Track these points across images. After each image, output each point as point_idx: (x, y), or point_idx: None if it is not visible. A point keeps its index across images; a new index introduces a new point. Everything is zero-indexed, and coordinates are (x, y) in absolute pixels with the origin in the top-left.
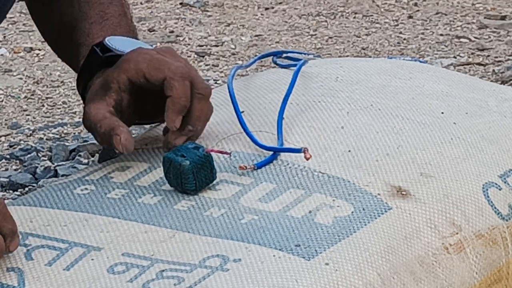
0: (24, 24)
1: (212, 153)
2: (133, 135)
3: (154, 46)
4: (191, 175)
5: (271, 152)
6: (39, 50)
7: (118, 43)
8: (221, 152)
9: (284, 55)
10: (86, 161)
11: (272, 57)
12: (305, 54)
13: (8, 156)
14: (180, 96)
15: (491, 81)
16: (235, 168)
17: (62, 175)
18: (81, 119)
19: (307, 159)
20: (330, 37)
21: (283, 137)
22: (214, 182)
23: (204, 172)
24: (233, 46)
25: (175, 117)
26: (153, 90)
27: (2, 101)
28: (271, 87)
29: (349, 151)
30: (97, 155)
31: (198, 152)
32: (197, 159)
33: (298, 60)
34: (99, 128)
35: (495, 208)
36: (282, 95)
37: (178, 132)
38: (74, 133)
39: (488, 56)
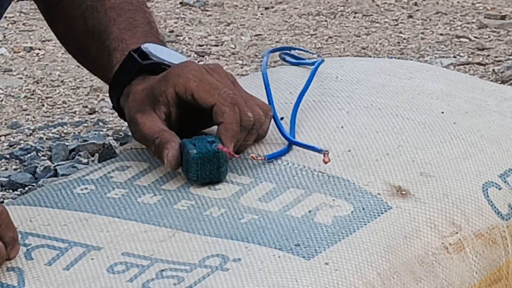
0: (24, 24)
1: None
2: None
3: None
4: (195, 165)
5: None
6: (39, 49)
7: (156, 50)
8: (230, 154)
9: (292, 51)
10: (86, 160)
11: (278, 54)
12: (312, 53)
13: (8, 156)
14: (232, 122)
15: (491, 80)
16: (235, 167)
17: (62, 175)
18: (81, 119)
19: (326, 162)
20: (330, 37)
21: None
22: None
23: (210, 167)
24: (233, 46)
25: (229, 144)
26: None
27: (2, 100)
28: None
29: (349, 150)
30: (97, 154)
31: (209, 146)
32: (205, 151)
33: (302, 58)
34: (156, 139)
35: (495, 207)
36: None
37: None
38: (74, 133)
39: (488, 55)
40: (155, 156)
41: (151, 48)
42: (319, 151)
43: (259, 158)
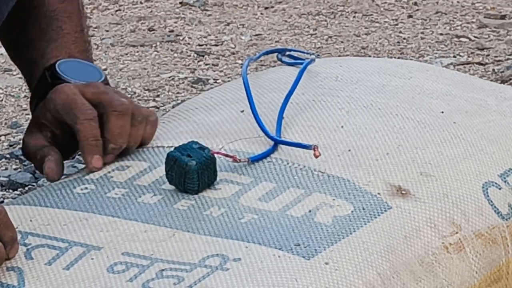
0: None
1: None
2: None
3: (153, 45)
4: (196, 175)
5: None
6: None
7: (68, 67)
8: (226, 155)
9: (287, 53)
10: None
11: (276, 54)
12: (308, 53)
13: (8, 156)
14: (87, 137)
15: (491, 80)
16: (235, 167)
17: None
18: None
19: (316, 157)
20: (330, 37)
21: (282, 137)
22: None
23: (208, 174)
24: (232, 46)
25: (89, 158)
26: None
27: (2, 100)
28: (271, 87)
29: (349, 150)
30: None
31: (204, 153)
32: (203, 160)
33: (301, 58)
34: (37, 155)
35: (495, 207)
36: (282, 95)
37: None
38: None
39: (488, 55)
40: (40, 172)
41: (65, 65)
42: (307, 147)
43: (242, 160)
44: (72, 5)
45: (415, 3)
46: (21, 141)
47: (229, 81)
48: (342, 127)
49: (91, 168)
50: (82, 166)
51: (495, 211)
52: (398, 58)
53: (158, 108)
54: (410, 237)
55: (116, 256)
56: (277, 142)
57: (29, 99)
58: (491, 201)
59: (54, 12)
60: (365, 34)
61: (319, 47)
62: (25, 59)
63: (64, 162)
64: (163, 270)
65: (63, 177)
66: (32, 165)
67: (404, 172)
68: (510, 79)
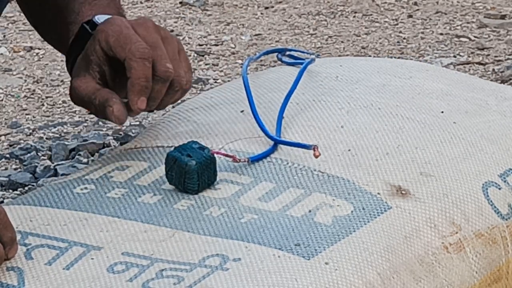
0: (24, 23)
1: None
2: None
3: None
4: (196, 175)
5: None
6: (39, 49)
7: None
8: (226, 155)
9: (287, 53)
10: (85, 160)
11: (276, 54)
12: (308, 53)
13: (7, 156)
14: (139, 77)
15: (491, 80)
16: (235, 167)
17: (62, 174)
18: (81, 119)
19: (316, 157)
20: (330, 36)
21: (282, 137)
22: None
23: (208, 174)
24: (232, 45)
25: (136, 98)
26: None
27: (2, 100)
28: (271, 87)
29: (349, 150)
30: (97, 154)
31: (204, 153)
32: (203, 160)
33: (301, 58)
34: (94, 100)
35: (495, 207)
36: (282, 94)
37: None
38: (74, 132)
39: (488, 55)
40: (99, 116)
41: (102, 18)
42: (307, 147)
43: (242, 160)
44: None
45: (415, 3)
46: (20, 142)
47: (229, 81)
48: (342, 127)
49: (135, 109)
50: (82, 166)
51: (495, 211)
52: (398, 58)
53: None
54: (410, 237)
55: (116, 256)
56: (277, 142)
57: (28, 98)
58: (491, 201)
59: None
60: (365, 34)
61: (319, 47)
62: (60, 26)
63: (64, 162)
64: (163, 270)
65: (63, 177)
66: (32, 164)
67: (404, 172)
68: (510, 79)
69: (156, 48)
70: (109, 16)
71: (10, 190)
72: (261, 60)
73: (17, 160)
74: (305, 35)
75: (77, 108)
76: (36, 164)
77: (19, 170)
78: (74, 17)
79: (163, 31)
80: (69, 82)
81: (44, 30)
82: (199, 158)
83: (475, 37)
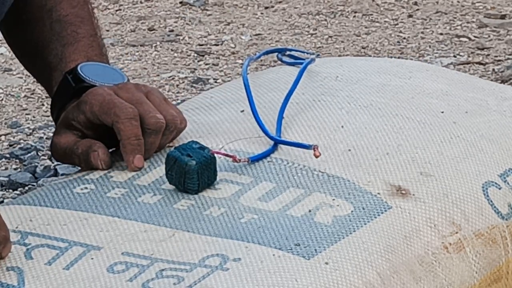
0: None
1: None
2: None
3: (153, 45)
4: (196, 175)
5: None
6: None
7: (90, 71)
8: (226, 155)
9: (287, 52)
10: None
11: (276, 54)
12: (308, 53)
13: (8, 155)
14: (129, 137)
15: (491, 80)
16: (235, 167)
17: (62, 174)
18: None
19: (317, 157)
20: (330, 36)
21: (282, 136)
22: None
23: (208, 173)
24: (233, 45)
25: (131, 158)
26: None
27: (2, 100)
28: (271, 87)
29: (349, 150)
30: None
31: (204, 153)
32: (203, 160)
33: (301, 58)
34: (76, 149)
35: (495, 207)
36: (282, 94)
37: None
38: None
39: (488, 55)
40: (82, 165)
41: (87, 68)
42: (307, 147)
43: (242, 160)
44: (83, 10)
45: (415, 3)
46: (20, 142)
47: (229, 80)
48: (342, 127)
49: (133, 168)
50: None
51: (495, 211)
52: (398, 58)
53: None
54: (410, 237)
55: (116, 256)
56: (277, 142)
57: (28, 98)
58: (491, 201)
59: (67, 17)
60: (365, 34)
61: (319, 47)
62: (40, 64)
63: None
64: (163, 270)
65: (63, 177)
66: (32, 164)
67: (404, 172)
68: (510, 79)
69: (141, 104)
70: (116, 77)
71: (10, 190)
72: (261, 60)
73: (17, 160)
74: (305, 35)
75: None
76: (36, 164)
77: (19, 170)
78: (57, 62)
79: (144, 87)
80: None
81: (25, 62)
82: (199, 158)
83: (475, 37)
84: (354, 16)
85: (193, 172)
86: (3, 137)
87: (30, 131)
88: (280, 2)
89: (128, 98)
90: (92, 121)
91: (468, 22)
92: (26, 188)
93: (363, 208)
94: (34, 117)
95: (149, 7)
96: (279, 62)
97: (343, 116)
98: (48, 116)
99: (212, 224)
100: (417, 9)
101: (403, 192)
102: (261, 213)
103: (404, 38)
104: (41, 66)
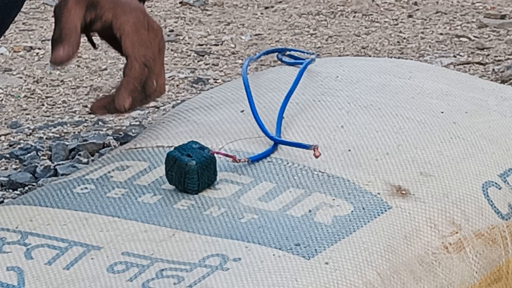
0: (24, 23)
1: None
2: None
3: None
4: (196, 175)
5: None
6: (39, 49)
7: None
8: (226, 155)
9: (287, 52)
10: (85, 160)
11: (276, 54)
12: (308, 53)
13: (7, 155)
14: (136, 77)
15: (491, 80)
16: (235, 167)
17: (62, 174)
18: (81, 119)
19: (317, 157)
20: (330, 36)
21: (282, 137)
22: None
23: (208, 173)
24: (233, 45)
25: (126, 96)
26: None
27: (2, 100)
28: (271, 86)
29: (349, 150)
30: (97, 154)
31: (204, 153)
32: (203, 160)
33: (301, 58)
34: (60, 29)
35: (495, 207)
36: (282, 94)
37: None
38: (74, 132)
39: (488, 55)
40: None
41: None
42: (307, 147)
43: (242, 160)
44: None
45: (415, 3)
46: (20, 142)
47: (229, 81)
48: (342, 127)
49: (120, 104)
50: (82, 166)
51: (495, 211)
52: (398, 58)
53: (158, 108)
54: (410, 237)
55: (116, 256)
56: (277, 142)
57: (28, 98)
58: (491, 201)
59: None
60: (365, 34)
61: (319, 47)
62: None
63: (64, 162)
64: (163, 270)
65: (63, 177)
66: (32, 164)
67: (404, 172)
68: (510, 79)
69: (155, 61)
70: None
71: (10, 190)
72: (261, 60)
73: (17, 160)
74: (305, 35)
75: (77, 108)
76: (36, 164)
77: (19, 170)
78: None
79: (163, 44)
80: (69, 82)
81: None
82: (199, 158)
83: (475, 37)
84: (354, 16)
85: (193, 172)
86: (3, 137)
87: (30, 131)
88: (280, 2)
89: (151, 43)
90: (114, 30)
91: (468, 22)
92: (26, 188)
93: (363, 208)
94: (34, 117)
95: (149, 7)
96: (279, 62)
97: (343, 116)
98: (48, 116)
99: (212, 224)
100: (417, 9)
101: (403, 192)
102: (261, 213)
103: (404, 38)
104: None
